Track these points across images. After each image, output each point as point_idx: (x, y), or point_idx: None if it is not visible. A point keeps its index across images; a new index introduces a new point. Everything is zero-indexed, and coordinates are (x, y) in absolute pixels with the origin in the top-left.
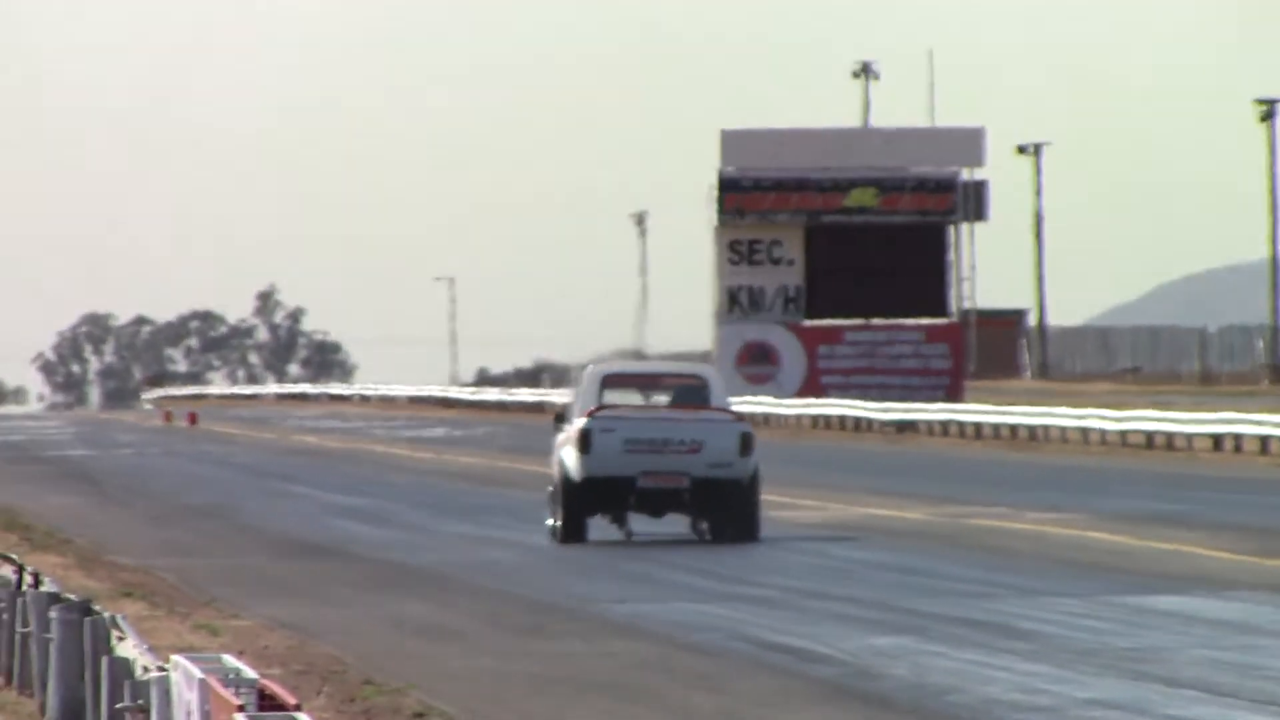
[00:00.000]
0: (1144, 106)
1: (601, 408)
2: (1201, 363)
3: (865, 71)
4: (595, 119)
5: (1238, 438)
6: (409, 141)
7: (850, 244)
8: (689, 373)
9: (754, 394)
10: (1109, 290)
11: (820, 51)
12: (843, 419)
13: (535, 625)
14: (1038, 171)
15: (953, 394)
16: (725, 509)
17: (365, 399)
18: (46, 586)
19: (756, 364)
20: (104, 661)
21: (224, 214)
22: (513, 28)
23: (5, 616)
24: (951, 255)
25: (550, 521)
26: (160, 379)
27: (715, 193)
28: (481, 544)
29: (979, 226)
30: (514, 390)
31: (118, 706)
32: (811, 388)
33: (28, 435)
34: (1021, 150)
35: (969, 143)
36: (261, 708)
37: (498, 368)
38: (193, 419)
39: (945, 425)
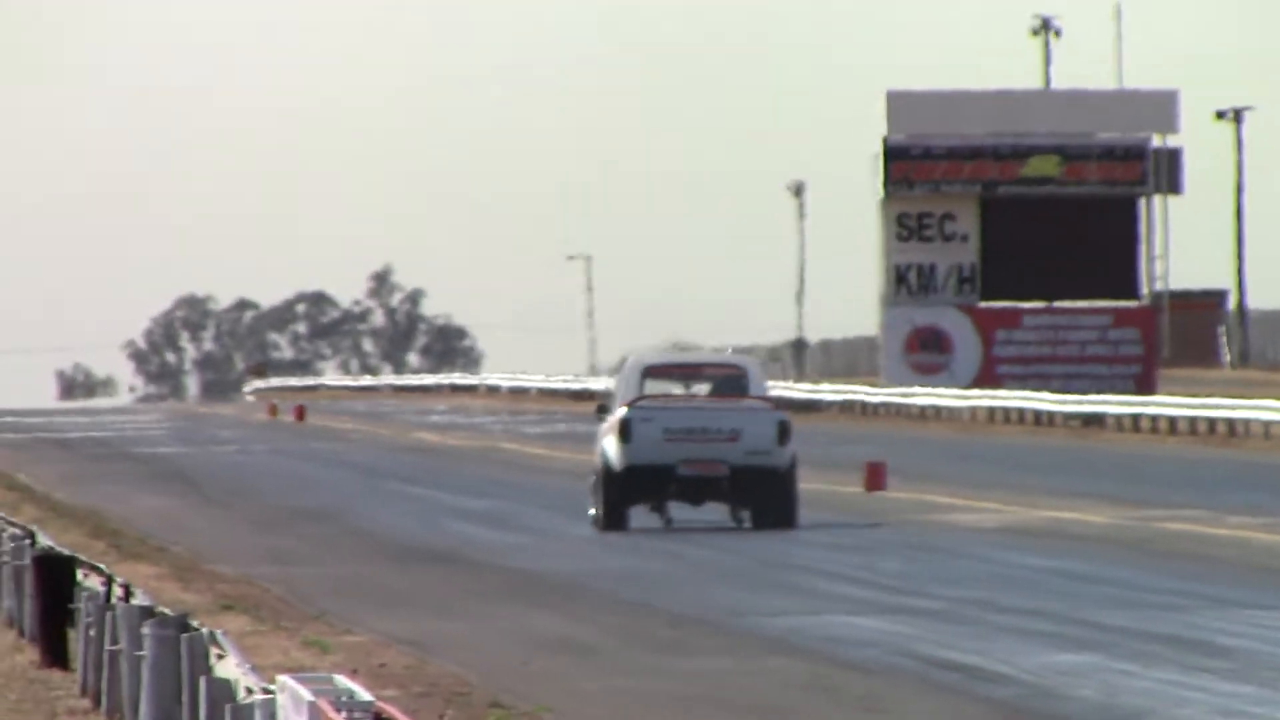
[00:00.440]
0: None
1: (641, 398)
2: None
3: (1045, 28)
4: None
5: None
6: (539, 106)
7: (1030, 218)
8: (729, 362)
9: (923, 384)
10: None
11: (996, 6)
12: (1021, 412)
13: (677, 640)
14: (1238, 139)
15: (1143, 384)
16: (764, 497)
17: (492, 391)
18: (138, 599)
19: (926, 351)
20: (202, 683)
21: (335, 186)
22: None
23: (93, 633)
24: (1142, 230)
25: (592, 511)
26: (264, 369)
27: (880, 161)
28: (617, 550)
29: (1172, 199)
30: None
31: None
32: (987, 377)
33: (116, 431)
34: (1220, 116)
35: (1161, 106)
36: None
37: None
38: (300, 413)
39: (1135, 419)
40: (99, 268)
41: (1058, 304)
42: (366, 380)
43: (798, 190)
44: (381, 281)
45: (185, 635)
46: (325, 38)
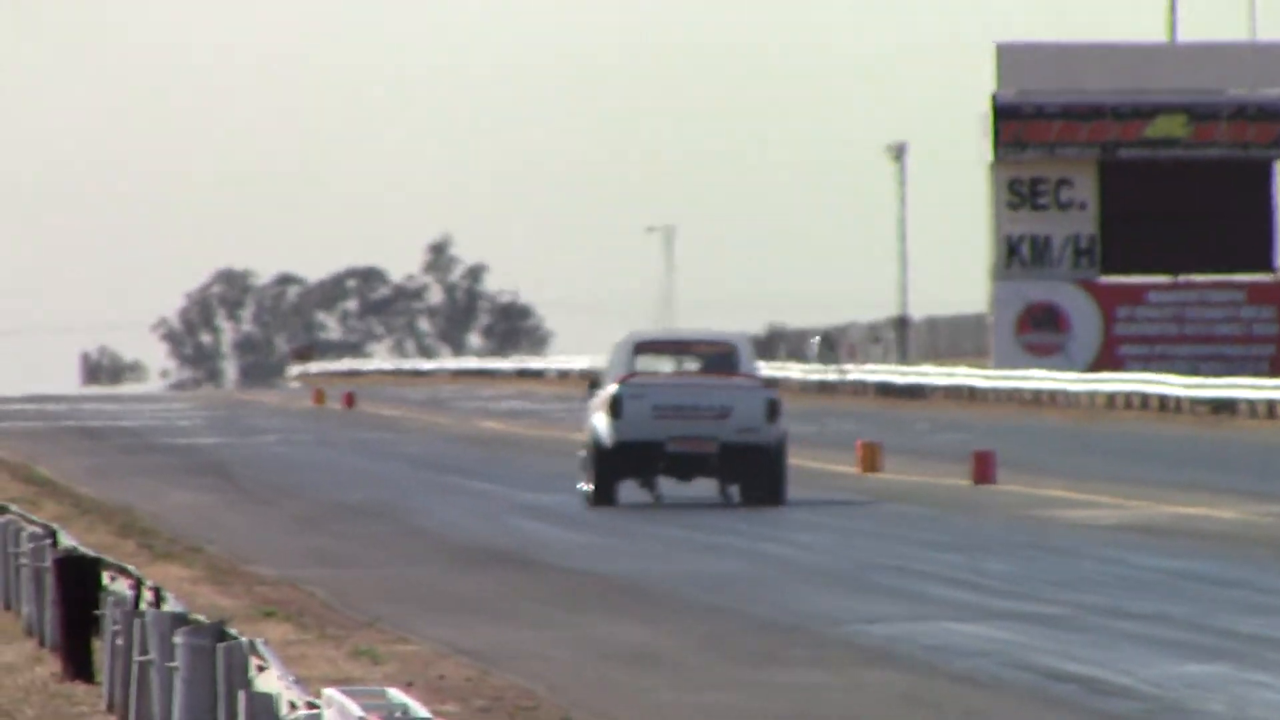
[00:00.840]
0: None
1: (632, 374)
2: None
3: None
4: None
5: None
6: (614, 61)
7: (1154, 183)
8: (719, 340)
9: (1037, 366)
10: None
11: None
12: (1144, 397)
13: (767, 651)
14: None
15: (1279, 367)
16: (752, 474)
17: (561, 375)
18: (170, 605)
19: (1040, 330)
20: (240, 697)
21: (389, 149)
22: None
23: (120, 642)
24: (1277, 197)
25: (582, 486)
26: (310, 351)
27: (989, 121)
28: (701, 550)
29: None
30: None
31: None
32: (1107, 359)
33: (146, 419)
34: None
35: None
36: None
37: None
38: (349, 400)
39: (1270, 405)
40: (127, 239)
41: (1184, 278)
42: (422, 364)
43: (898, 153)
44: (439, 254)
45: (222, 645)
46: None
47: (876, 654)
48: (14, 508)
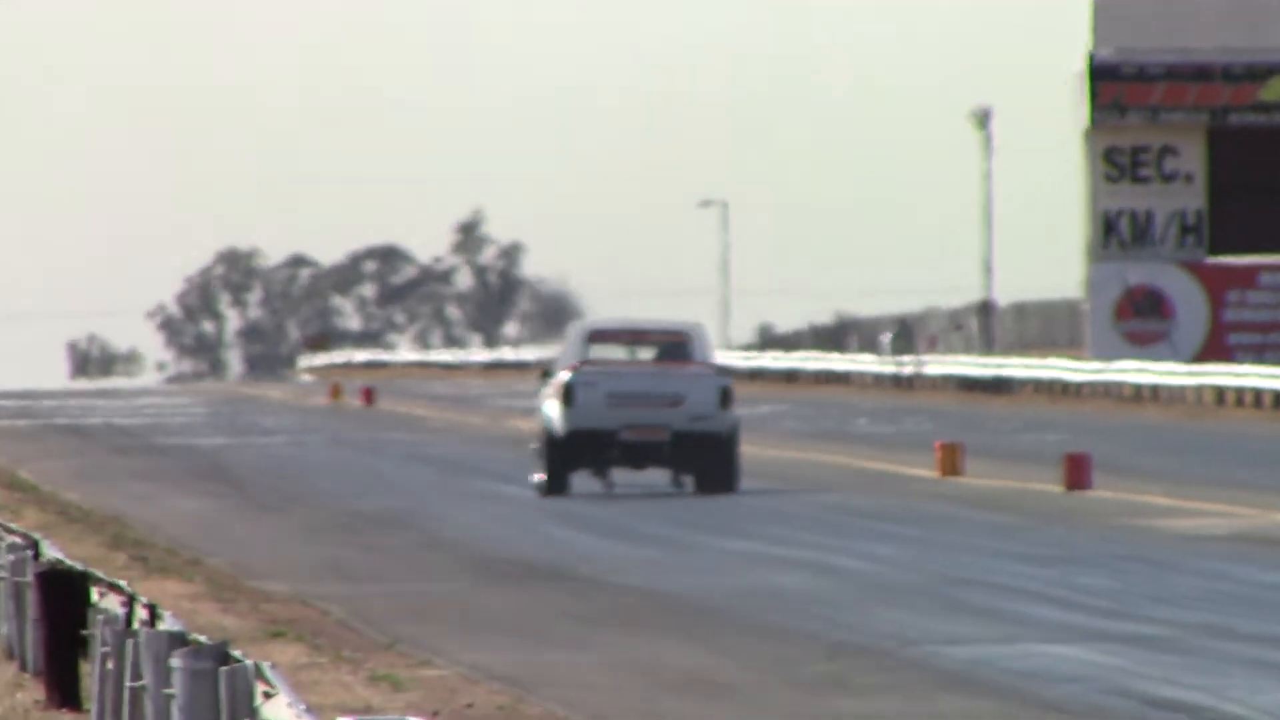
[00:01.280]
0: None
1: (585, 362)
2: None
3: None
4: None
5: None
6: (662, 20)
7: (1269, 152)
8: (673, 329)
9: (1137, 358)
10: None
11: None
12: (1257, 393)
13: (835, 676)
14: None
15: None
16: (705, 462)
17: None
18: (166, 624)
19: (1142, 318)
20: None
21: (412, 116)
22: None
23: (110, 666)
24: None
25: (534, 478)
26: (324, 341)
27: (1085, 83)
28: (762, 563)
29: None
30: (808, 355)
31: None
32: (1214, 349)
33: (142, 417)
34: None
35: None
36: None
37: (786, 324)
38: (368, 396)
39: None
40: (118, 214)
41: None
42: (450, 355)
43: (983, 120)
44: (469, 234)
45: (224, 669)
46: None
47: (957, 679)
48: None
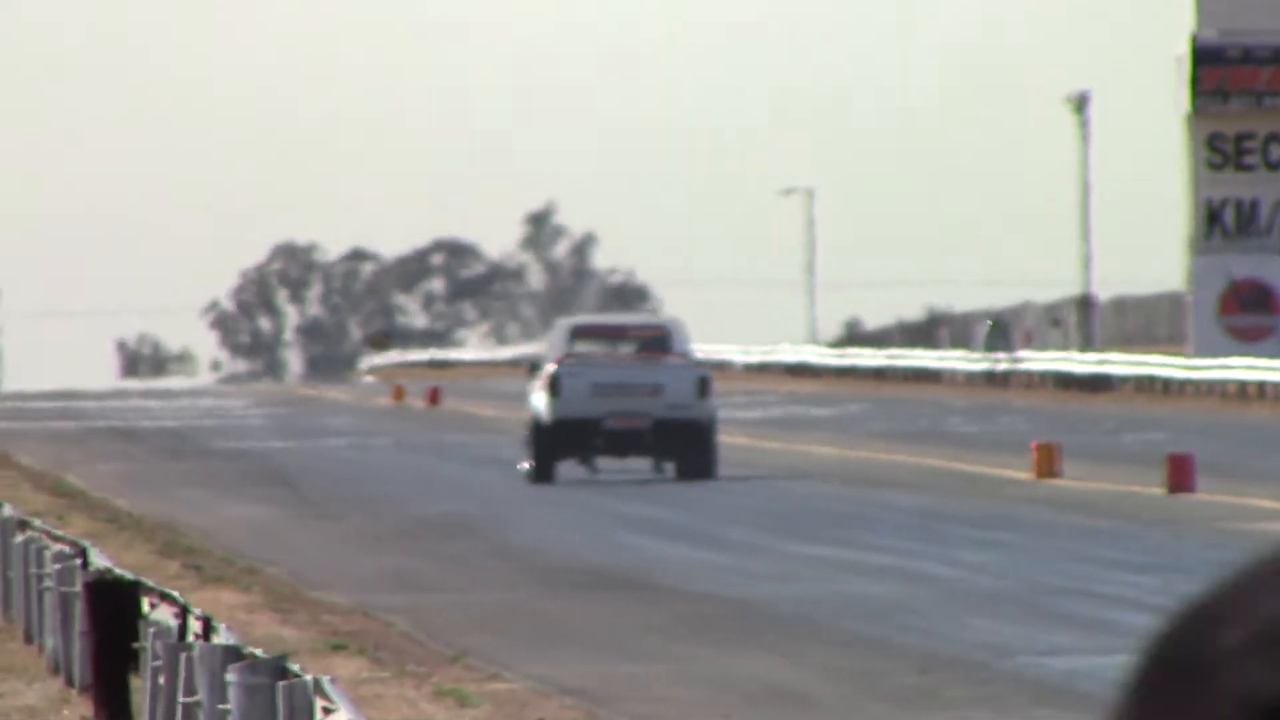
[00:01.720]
0: None
1: (569, 355)
2: None
3: None
4: None
5: None
6: (741, 3)
7: None
8: (652, 324)
9: (1242, 354)
10: None
11: None
12: None
13: (925, 688)
14: None
15: None
16: (684, 449)
17: None
18: (222, 637)
19: (1248, 312)
20: None
21: (481, 104)
22: None
23: (163, 680)
24: None
25: (522, 466)
26: (387, 339)
27: (1187, 66)
28: (848, 570)
29: None
30: (898, 352)
31: None
32: None
33: (195, 419)
34: None
35: None
36: None
37: (874, 319)
38: (434, 396)
39: None
40: (171, 209)
41: None
42: (519, 353)
43: (1080, 105)
44: (540, 226)
45: (282, 683)
46: None
47: (1054, 691)
48: (38, 522)
